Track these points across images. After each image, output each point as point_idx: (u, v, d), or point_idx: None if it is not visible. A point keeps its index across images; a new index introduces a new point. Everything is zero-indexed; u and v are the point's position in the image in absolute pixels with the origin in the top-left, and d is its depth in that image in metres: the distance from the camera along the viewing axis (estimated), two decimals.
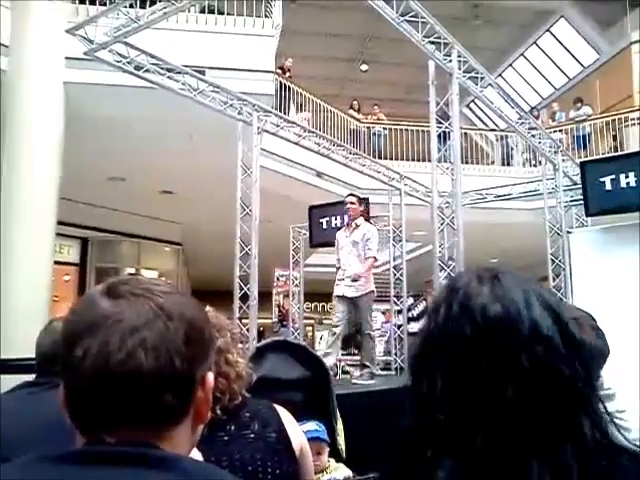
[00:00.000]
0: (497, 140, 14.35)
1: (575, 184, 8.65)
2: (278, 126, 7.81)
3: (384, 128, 13.16)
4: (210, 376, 0.79)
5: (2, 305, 6.32)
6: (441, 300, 0.84)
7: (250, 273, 6.71)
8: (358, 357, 7.11)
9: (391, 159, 11.98)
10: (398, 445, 0.84)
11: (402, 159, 12.29)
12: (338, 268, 6.40)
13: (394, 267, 9.62)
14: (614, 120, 12.31)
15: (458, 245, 5.74)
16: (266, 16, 8.41)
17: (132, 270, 12.86)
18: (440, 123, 6.07)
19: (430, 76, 5.94)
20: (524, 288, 0.82)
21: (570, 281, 7.60)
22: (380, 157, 11.68)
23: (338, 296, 6.26)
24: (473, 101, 16.64)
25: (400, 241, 9.58)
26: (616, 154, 10.42)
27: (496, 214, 10.79)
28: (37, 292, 6.91)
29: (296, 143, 8.28)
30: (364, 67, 16.63)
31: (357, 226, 6.35)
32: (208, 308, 1.39)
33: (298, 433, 1.72)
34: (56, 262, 8.25)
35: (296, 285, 11.71)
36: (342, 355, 9.88)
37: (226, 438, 1.54)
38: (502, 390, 0.75)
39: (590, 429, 0.75)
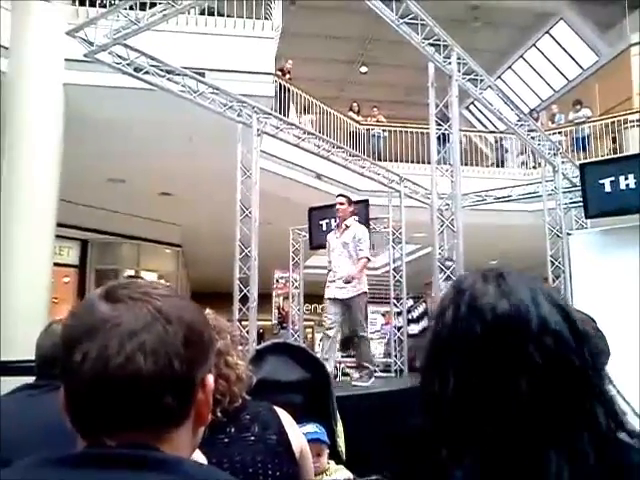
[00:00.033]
0: (495, 142, 14.35)
1: (575, 186, 8.66)
2: (278, 128, 7.82)
3: (384, 130, 13.16)
4: (210, 378, 0.79)
5: (2, 306, 6.33)
6: (448, 302, 0.85)
7: (250, 275, 6.70)
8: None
9: (391, 161, 11.98)
10: (406, 445, 0.85)
11: (402, 161, 12.29)
12: (329, 270, 6.36)
13: (394, 269, 9.63)
14: (613, 122, 12.33)
15: (458, 247, 5.74)
16: (266, 18, 8.42)
17: (132, 272, 12.85)
18: (440, 125, 6.07)
19: (430, 78, 5.95)
20: (530, 286, 0.83)
21: (570, 283, 7.60)
22: (380, 159, 11.69)
23: (330, 298, 6.20)
24: (472, 103, 16.64)
25: (400, 243, 9.59)
26: (615, 156, 10.45)
27: (496, 216, 10.80)
28: (37, 293, 6.91)
29: (296, 145, 8.29)
30: (364, 69, 16.65)
31: (347, 227, 6.29)
32: (208, 310, 1.39)
33: (298, 435, 1.72)
34: (56, 264, 8.25)
35: (296, 287, 11.71)
36: (342, 357, 9.89)
37: (226, 440, 1.54)
38: (515, 385, 0.76)
39: (604, 417, 0.77)
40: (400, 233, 9.54)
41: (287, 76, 11.42)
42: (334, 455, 2.41)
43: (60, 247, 10.81)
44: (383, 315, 13.19)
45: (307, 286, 11.71)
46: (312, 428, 2.23)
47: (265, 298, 10.87)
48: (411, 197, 9.91)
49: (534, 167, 12.40)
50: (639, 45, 13.32)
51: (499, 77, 16.06)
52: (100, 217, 11.60)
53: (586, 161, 9.44)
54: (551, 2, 14.07)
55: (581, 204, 7.62)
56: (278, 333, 13.59)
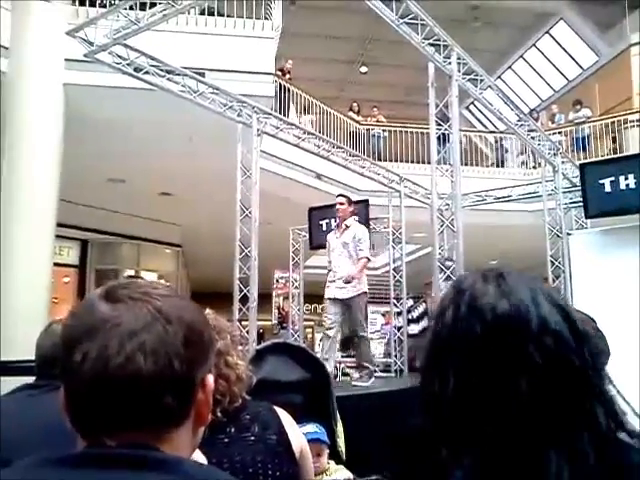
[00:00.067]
0: (495, 142, 14.36)
1: (575, 186, 8.66)
2: (278, 128, 7.82)
3: (384, 130, 13.16)
4: (210, 378, 0.79)
5: (2, 306, 6.33)
6: (448, 302, 0.85)
7: (250, 275, 6.70)
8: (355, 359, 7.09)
9: (391, 161, 11.99)
10: (406, 445, 0.86)
11: (402, 161, 12.30)
12: (329, 270, 6.36)
13: (394, 269, 9.63)
14: (613, 122, 12.33)
15: (458, 247, 5.74)
16: (266, 18, 8.42)
17: (132, 272, 12.85)
18: (440, 125, 6.07)
19: (430, 78, 5.95)
20: (530, 286, 0.84)
21: (570, 283, 7.60)
22: (380, 159, 11.69)
23: (330, 298, 6.19)
24: (473, 103, 16.64)
25: (400, 243, 9.59)
26: (615, 156, 10.45)
27: (496, 216, 10.80)
28: (37, 293, 6.91)
29: (296, 145, 8.29)
30: (364, 69, 16.65)
31: (347, 227, 6.29)
32: (207, 310, 1.39)
33: (298, 435, 1.72)
34: (56, 264, 8.25)
35: (296, 287, 11.71)
36: (342, 357, 9.89)
37: (226, 440, 1.54)
38: (515, 385, 0.76)
39: (604, 417, 0.77)
40: (400, 233, 9.54)
41: (287, 76, 11.43)
42: (334, 455, 2.41)
43: (60, 247, 10.81)
44: (383, 315, 13.19)
45: (307, 286, 11.71)
46: (312, 428, 2.23)
47: (265, 298, 10.86)
48: (411, 197, 9.91)
49: (534, 167, 12.40)
50: (639, 45, 13.32)
51: (499, 77, 16.06)
52: (100, 217, 11.60)
53: (586, 161, 9.44)
54: (551, 2, 14.07)
55: (581, 204, 7.62)
56: (278, 333, 13.60)
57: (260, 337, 11.63)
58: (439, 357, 0.83)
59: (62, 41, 6.59)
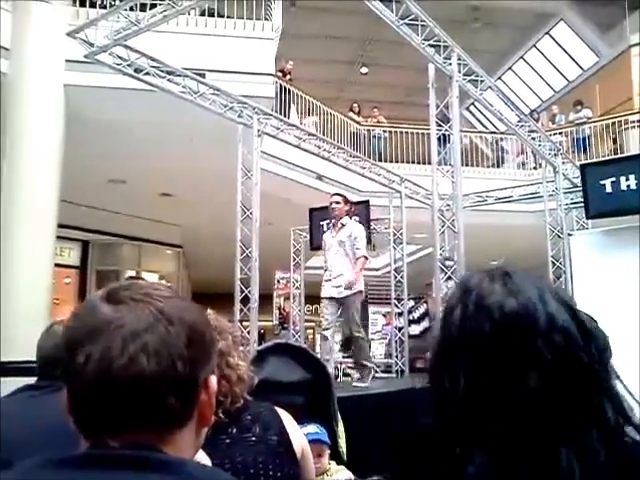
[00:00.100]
0: (494, 143, 14.35)
1: (575, 187, 8.66)
2: (278, 129, 7.82)
3: (384, 131, 13.17)
4: (213, 379, 0.79)
5: (3, 307, 6.33)
6: (455, 301, 0.86)
7: (251, 276, 6.71)
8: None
9: (391, 162, 11.99)
10: (407, 445, 0.87)
11: (402, 162, 12.30)
12: (326, 270, 6.35)
13: (395, 270, 9.63)
14: (614, 123, 12.33)
15: (459, 247, 5.74)
16: (266, 19, 8.43)
17: (133, 273, 12.85)
18: (440, 126, 6.07)
19: (430, 79, 5.95)
20: (537, 284, 0.84)
21: (571, 283, 7.60)
22: (380, 160, 11.69)
23: (326, 297, 6.16)
24: (473, 104, 16.64)
25: (401, 244, 9.59)
26: (616, 157, 10.44)
27: (497, 217, 10.79)
28: (38, 294, 6.91)
29: (296, 146, 8.29)
30: (364, 70, 16.66)
31: (343, 225, 6.24)
32: (209, 311, 1.39)
33: (299, 435, 1.72)
34: (57, 265, 8.26)
35: (297, 288, 11.71)
36: (342, 358, 9.89)
37: (228, 441, 1.54)
38: (525, 381, 0.77)
39: (613, 413, 0.78)
40: (401, 234, 9.54)
41: (287, 77, 11.43)
42: (335, 456, 2.41)
43: (61, 248, 10.82)
44: (384, 316, 13.20)
45: (308, 287, 11.70)
46: (313, 429, 2.23)
47: (266, 299, 10.86)
48: (412, 198, 9.91)
49: (535, 168, 12.40)
50: (639, 46, 13.32)
51: (499, 78, 16.06)
52: (101, 218, 11.61)
53: (587, 162, 9.43)
54: (551, 3, 14.08)
55: (582, 205, 7.61)
56: (279, 334, 13.59)
57: (261, 338, 11.64)
58: (448, 357, 0.83)
59: (63, 42, 6.60)
